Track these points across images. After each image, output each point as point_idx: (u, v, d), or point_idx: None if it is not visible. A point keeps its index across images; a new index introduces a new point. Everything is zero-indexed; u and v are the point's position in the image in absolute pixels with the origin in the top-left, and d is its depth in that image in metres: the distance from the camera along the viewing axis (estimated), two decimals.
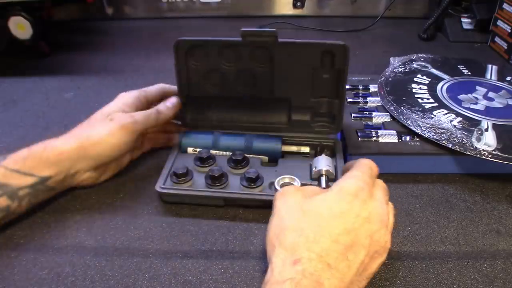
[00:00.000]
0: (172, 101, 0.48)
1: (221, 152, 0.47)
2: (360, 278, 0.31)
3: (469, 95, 0.56)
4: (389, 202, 0.36)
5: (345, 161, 0.47)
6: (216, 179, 0.43)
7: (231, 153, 0.46)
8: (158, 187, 0.42)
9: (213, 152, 0.47)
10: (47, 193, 0.42)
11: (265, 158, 0.47)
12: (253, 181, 0.42)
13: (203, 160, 0.45)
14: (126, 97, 0.46)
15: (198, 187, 0.43)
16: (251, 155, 0.47)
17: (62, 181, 0.42)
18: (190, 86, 0.49)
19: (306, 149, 0.48)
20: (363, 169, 0.35)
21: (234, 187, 0.43)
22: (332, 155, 0.47)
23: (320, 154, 0.46)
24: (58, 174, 0.41)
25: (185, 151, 0.48)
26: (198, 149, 0.47)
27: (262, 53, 0.46)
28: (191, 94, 0.49)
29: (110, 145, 0.42)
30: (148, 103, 0.48)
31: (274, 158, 0.47)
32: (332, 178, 0.44)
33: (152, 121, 0.45)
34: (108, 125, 0.42)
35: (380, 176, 0.47)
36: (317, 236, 0.30)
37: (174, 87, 0.49)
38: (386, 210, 0.34)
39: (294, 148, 0.48)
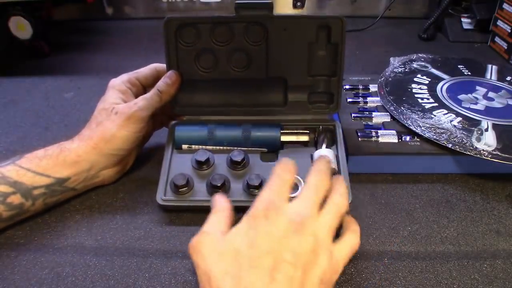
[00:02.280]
0: (170, 76, 0.46)
1: (218, 147, 0.46)
2: None
3: (469, 95, 0.56)
4: (334, 201, 0.34)
5: (346, 150, 0.46)
6: (218, 188, 0.42)
7: (229, 153, 0.45)
8: (159, 199, 0.41)
9: (209, 147, 0.46)
10: (67, 194, 0.42)
11: (264, 150, 0.47)
12: (256, 188, 0.42)
13: (201, 163, 0.44)
14: (118, 84, 0.45)
15: (200, 195, 0.42)
16: (249, 148, 0.46)
17: (83, 182, 0.42)
18: (180, 68, 0.47)
19: (305, 138, 0.46)
20: (271, 182, 0.34)
21: (237, 192, 0.42)
22: (333, 140, 0.46)
23: (320, 140, 0.45)
24: (76, 175, 0.41)
25: (180, 147, 0.47)
26: (193, 146, 0.47)
27: (256, 29, 0.45)
28: (181, 76, 0.47)
29: (123, 138, 0.42)
30: (142, 86, 0.47)
31: (274, 149, 0.46)
32: (335, 173, 0.43)
33: (156, 103, 0.44)
34: (115, 120, 0.42)
35: (380, 176, 0.47)
36: (240, 271, 0.30)
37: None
38: (306, 214, 0.32)
39: (293, 138, 0.46)
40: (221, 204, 0.36)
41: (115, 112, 0.42)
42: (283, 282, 0.29)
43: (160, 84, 0.45)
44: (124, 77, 0.46)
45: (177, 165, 0.45)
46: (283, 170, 0.35)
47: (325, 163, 0.37)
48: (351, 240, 0.35)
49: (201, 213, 0.42)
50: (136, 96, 0.46)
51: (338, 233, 0.35)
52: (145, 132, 0.45)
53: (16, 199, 0.38)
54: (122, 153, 0.43)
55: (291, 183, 0.35)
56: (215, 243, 0.32)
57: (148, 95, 0.44)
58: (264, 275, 0.29)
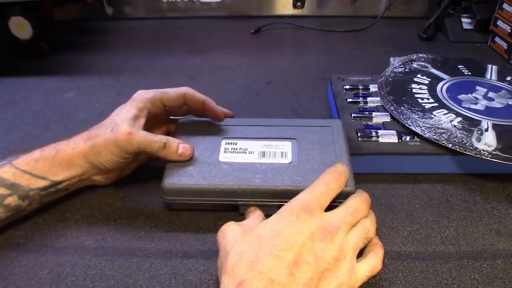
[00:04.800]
0: (187, 147, 0.43)
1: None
2: None
3: (469, 95, 0.56)
4: (363, 224, 0.35)
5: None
6: None
7: None
8: (165, 183, 0.41)
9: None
10: (60, 193, 0.42)
11: None
12: None
13: None
14: (140, 100, 0.44)
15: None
16: None
17: (77, 184, 0.42)
18: None
19: None
20: (316, 187, 0.35)
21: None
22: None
23: None
24: (70, 179, 0.41)
25: None
26: None
27: None
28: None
29: (108, 157, 0.40)
30: (165, 107, 0.46)
31: None
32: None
33: (153, 149, 0.41)
34: (106, 137, 0.40)
35: (380, 176, 0.47)
36: (259, 255, 0.30)
37: (198, 94, 0.46)
38: (336, 227, 0.33)
39: None
40: (257, 212, 0.39)
41: (111, 128, 0.40)
42: (302, 280, 0.29)
43: (172, 142, 0.42)
44: (149, 94, 0.44)
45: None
46: (332, 179, 0.36)
47: (368, 197, 0.38)
48: (373, 261, 0.35)
49: (202, 211, 0.43)
50: (153, 114, 0.45)
51: (360, 254, 0.35)
52: (133, 158, 0.43)
53: (13, 200, 0.38)
54: (109, 168, 0.42)
55: (335, 194, 0.36)
56: (242, 230, 0.34)
57: (154, 138, 0.41)
58: (283, 266, 0.30)
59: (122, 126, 0.40)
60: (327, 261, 0.31)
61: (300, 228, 0.32)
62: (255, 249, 0.31)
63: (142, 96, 0.44)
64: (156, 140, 0.41)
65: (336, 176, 0.37)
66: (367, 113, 0.53)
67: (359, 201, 0.36)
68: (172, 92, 0.45)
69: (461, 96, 0.55)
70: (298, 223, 0.32)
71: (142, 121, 0.42)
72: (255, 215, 0.38)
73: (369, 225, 0.35)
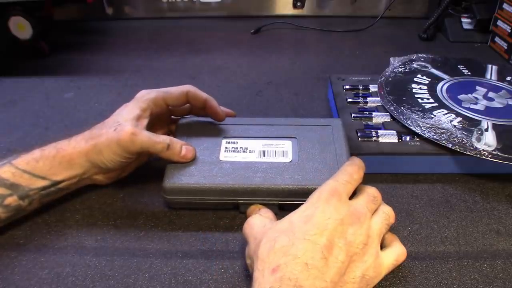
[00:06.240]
0: (190, 149, 0.43)
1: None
2: (343, 280, 0.30)
3: (469, 95, 0.56)
4: (384, 210, 0.36)
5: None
6: None
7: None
8: (166, 183, 0.41)
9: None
10: (60, 193, 0.42)
11: None
12: None
13: None
14: (143, 101, 0.43)
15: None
16: None
17: (76, 183, 0.42)
18: None
19: None
20: (340, 176, 0.36)
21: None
22: None
23: None
24: (71, 178, 0.41)
25: None
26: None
27: None
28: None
29: (110, 157, 0.40)
30: (167, 107, 0.46)
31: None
32: None
33: (157, 149, 0.41)
34: (109, 136, 0.40)
35: (380, 176, 0.48)
36: (292, 239, 0.31)
37: (200, 92, 0.45)
38: (364, 213, 0.34)
39: None
40: (264, 209, 0.39)
41: (114, 128, 0.40)
42: (334, 264, 0.30)
43: (176, 143, 0.42)
44: (152, 94, 0.44)
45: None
46: (354, 170, 0.37)
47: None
48: (398, 250, 0.35)
49: (202, 211, 0.43)
50: (156, 115, 0.44)
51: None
52: (136, 157, 0.43)
53: (13, 200, 0.38)
54: (110, 167, 0.41)
55: (357, 184, 0.37)
56: (269, 220, 0.35)
57: (157, 139, 0.41)
58: (317, 250, 0.30)
59: (125, 126, 0.40)
60: (356, 246, 0.32)
61: (330, 213, 0.32)
62: (287, 234, 0.31)
63: (145, 97, 0.44)
64: (159, 141, 0.41)
65: (357, 168, 0.37)
66: (367, 113, 0.53)
67: (374, 190, 0.37)
68: (175, 91, 0.45)
69: (461, 96, 0.55)
70: (328, 208, 0.33)
71: (145, 121, 0.42)
72: (262, 211, 0.39)
73: (389, 211, 0.36)
